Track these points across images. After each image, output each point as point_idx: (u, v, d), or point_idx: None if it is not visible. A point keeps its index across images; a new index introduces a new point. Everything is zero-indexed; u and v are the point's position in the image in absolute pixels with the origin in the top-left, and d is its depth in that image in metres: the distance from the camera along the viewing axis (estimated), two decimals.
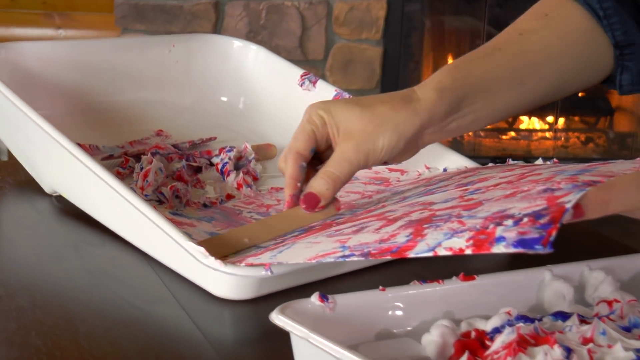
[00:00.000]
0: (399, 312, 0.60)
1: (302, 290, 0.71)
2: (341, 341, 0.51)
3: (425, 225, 0.56)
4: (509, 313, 0.59)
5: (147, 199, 0.82)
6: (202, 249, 0.68)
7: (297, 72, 1.02)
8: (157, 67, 1.09)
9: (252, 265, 0.65)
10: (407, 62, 2.84)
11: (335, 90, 0.98)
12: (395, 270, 0.76)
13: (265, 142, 1.00)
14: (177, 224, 0.73)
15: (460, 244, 0.50)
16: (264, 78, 1.06)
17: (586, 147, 2.99)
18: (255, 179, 0.92)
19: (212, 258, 0.67)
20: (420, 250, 0.53)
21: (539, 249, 0.45)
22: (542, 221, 0.47)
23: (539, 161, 0.76)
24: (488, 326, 0.59)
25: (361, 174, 0.92)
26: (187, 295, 0.70)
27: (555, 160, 0.78)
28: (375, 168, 0.93)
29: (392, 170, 0.91)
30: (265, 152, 0.98)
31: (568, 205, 0.47)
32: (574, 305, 0.64)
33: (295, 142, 0.74)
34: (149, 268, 0.75)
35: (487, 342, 0.57)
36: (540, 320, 0.59)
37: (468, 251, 0.49)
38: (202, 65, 1.11)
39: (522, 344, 0.53)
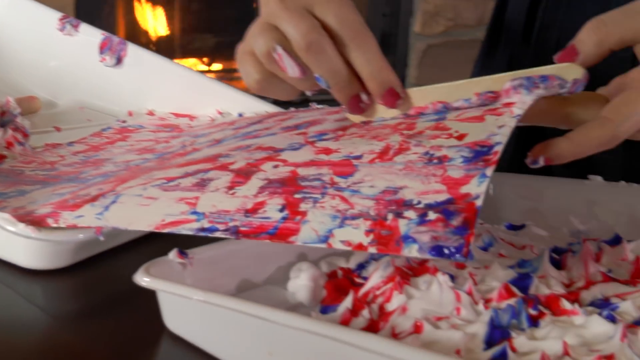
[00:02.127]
0: (256, 260, 0.58)
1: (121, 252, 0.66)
2: None
3: (297, 196, 0.52)
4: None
5: None
6: (7, 215, 0.60)
7: (54, 15, 0.93)
8: None
9: (75, 227, 0.58)
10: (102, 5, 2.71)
11: (103, 34, 0.91)
12: None
13: (26, 95, 0.90)
14: None
15: (359, 237, 0.46)
16: (15, 25, 0.95)
17: None
18: (25, 135, 0.83)
19: (22, 224, 0.59)
20: (308, 239, 0.48)
21: (460, 259, 0.44)
22: (454, 223, 0.44)
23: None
24: (351, 263, 0.58)
25: (146, 121, 0.86)
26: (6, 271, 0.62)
27: None
28: (159, 114, 0.88)
29: (180, 116, 0.86)
30: (28, 106, 0.88)
31: (478, 204, 0.44)
32: None
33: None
34: None
35: (357, 280, 0.56)
36: None
37: (372, 249, 0.46)
38: None
39: (404, 275, 0.53)
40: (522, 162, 0.65)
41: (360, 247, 0.46)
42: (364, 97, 0.57)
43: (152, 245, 0.66)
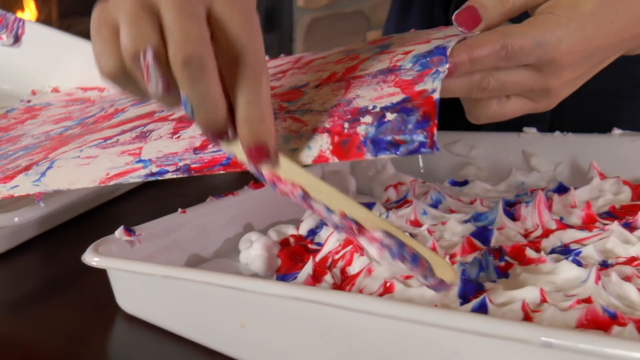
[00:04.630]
0: (203, 233, 0.55)
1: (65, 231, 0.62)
2: None
3: None
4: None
5: None
6: None
7: None
8: None
9: (12, 197, 0.54)
10: None
11: None
12: (183, 186, 0.70)
13: None
14: None
15: (317, 149, 0.45)
16: None
17: None
18: None
19: None
20: None
21: (427, 152, 0.42)
22: (414, 118, 0.43)
23: None
24: (302, 230, 0.57)
25: (53, 99, 0.82)
26: None
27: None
28: (65, 90, 0.83)
29: (88, 90, 0.81)
30: None
31: (435, 97, 0.44)
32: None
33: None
34: None
35: (311, 246, 0.55)
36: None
37: (334, 159, 0.44)
38: None
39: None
40: (452, 120, 0.65)
41: (321, 158, 0.45)
42: (229, 133, 0.45)
43: (85, 225, 0.63)
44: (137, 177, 0.50)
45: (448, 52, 0.46)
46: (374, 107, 0.45)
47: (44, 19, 2.55)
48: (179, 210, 0.54)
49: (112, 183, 0.50)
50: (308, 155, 0.45)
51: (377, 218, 0.43)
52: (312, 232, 0.56)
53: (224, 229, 0.57)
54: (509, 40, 0.47)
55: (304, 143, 0.46)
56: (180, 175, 0.48)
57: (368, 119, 0.45)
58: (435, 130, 0.42)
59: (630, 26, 0.52)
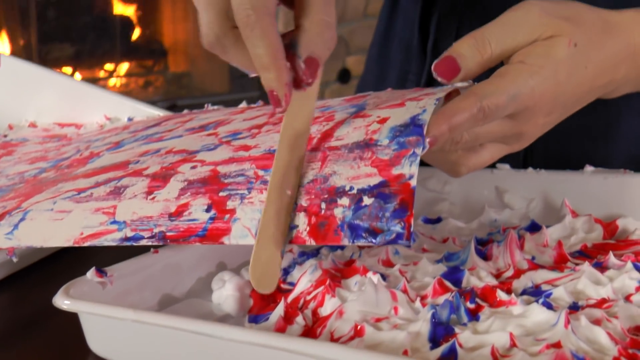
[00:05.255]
0: (176, 273, 0.55)
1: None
2: None
3: (222, 194, 0.49)
4: (291, 251, 0.57)
5: None
6: None
7: None
8: None
9: None
10: None
11: None
12: None
13: None
14: None
15: (298, 225, 0.45)
16: None
17: (147, 91, 3.00)
18: None
19: None
20: (241, 238, 0.46)
21: (404, 244, 0.43)
22: (391, 206, 0.43)
23: (243, 104, 0.74)
24: None
25: (30, 133, 0.81)
26: None
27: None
28: (42, 125, 0.83)
29: (65, 126, 0.81)
30: None
31: (413, 184, 0.44)
32: None
33: None
34: None
35: (283, 286, 0.54)
36: (317, 254, 0.58)
37: (311, 241, 0.45)
38: None
39: (334, 278, 0.52)
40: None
41: (297, 239, 0.45)
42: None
43: (61, 262, 0.62)
44: (111, 240, 0.50)
45: (425, 130, 0.46)
46: (351, 187, 0.46)
47: (23, 44, 2.55)
48: (151, 250, 0.54)
49: (86, 244, 0.51)
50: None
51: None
52: (285, 272, 0.56)
53: (196, 268, 0.56)
54: (485, 102, 0.48)
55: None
56: (155, 243, 0.49)
57: (345, 201, 0.45)
58: (412, 221, 0.43)
59: (604, 73, 0.53)
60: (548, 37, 0.51)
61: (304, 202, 0.46)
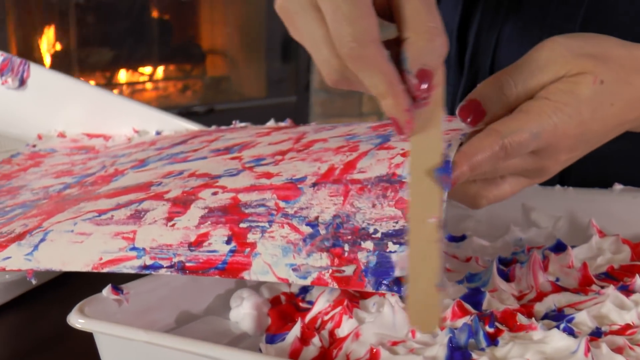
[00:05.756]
0: (194, 290, 0.55)
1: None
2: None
3: (243, 225, 0.49)
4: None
5: None
6: None
7: None
8: None
9: (3, 270, 0.54)
10: None
11: (2, 55, 0.86)
12: None
13: None
14: None
15: (320, 267, 0.45)
16: None
17: (185, 95, 3.02)
18: None
19: None
20: (262, 275, 0.46)
21: None
22: None
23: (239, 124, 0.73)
24: (294, 287, 0.56)
25: (58, 144, 0.82)
26: None
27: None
28: (71, 136, 0.83)
29: (93, 137, 0.82)
30: None
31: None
32: None
33: (362, 21, 0.43)
34: None
35: (302, 305, 0.54)
36: None
37: (333, 285, 0.44)
38: None
39: (352, 298, 0.51)
40: None
41: (320, 280, 0.44)
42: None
43: (80, 278, 0.62)
44: (130, 267, 0.50)
45: (450, 167, 0.45)
46: (375, 230, 0.45)
47: (62, 49, 2.57)
48: None
49: (104, 270, 0.51)
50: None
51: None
52: (304, 290, 0.55)
53: (215, 285, 0.56)
54: (508, 140, 0.47)
55: (303, 260, 0.46)
56: (174, 273, 0.49)
57: (369, 244, 0.44)
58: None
59: (632, 108, 0.51)
60: (574, 75, 0.50)
61: (326, 241, 0.45)
